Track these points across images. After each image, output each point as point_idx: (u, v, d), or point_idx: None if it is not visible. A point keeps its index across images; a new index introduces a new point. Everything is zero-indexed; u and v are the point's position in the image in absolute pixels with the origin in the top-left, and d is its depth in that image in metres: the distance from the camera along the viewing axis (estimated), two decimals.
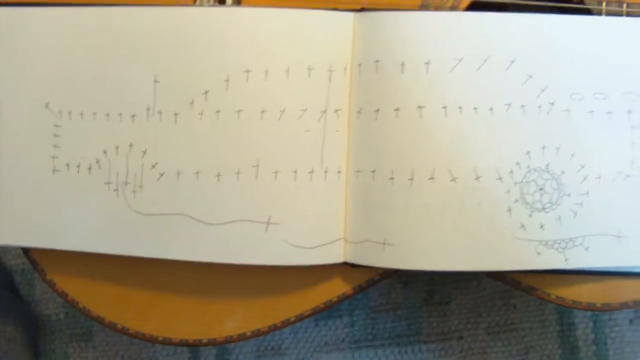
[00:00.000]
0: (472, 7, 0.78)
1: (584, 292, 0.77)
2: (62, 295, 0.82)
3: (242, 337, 0.80)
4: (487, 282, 1.01)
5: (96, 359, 1.05)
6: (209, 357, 1.04)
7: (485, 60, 0.72)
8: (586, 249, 0.72)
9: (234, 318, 0.80)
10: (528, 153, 0.71)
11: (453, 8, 0.78)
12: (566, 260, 0.72)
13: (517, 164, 0.71)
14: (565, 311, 1.00)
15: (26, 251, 0.82)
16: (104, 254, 0.77)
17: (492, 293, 1.01)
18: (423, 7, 0.78)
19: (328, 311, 1.02)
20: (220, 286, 0.80)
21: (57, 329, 1.06)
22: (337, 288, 0.79)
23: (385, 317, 1.02)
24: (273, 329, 0.79)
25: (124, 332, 0.81)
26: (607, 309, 0.77)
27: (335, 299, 0.79)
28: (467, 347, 1.01)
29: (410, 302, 1.02)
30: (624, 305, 0.77)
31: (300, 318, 0.79)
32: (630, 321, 0.99)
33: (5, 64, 0.78)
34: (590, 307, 0.77)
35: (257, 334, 0.80)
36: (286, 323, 0.79)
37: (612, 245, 0.72)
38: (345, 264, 0.75)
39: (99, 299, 0.81)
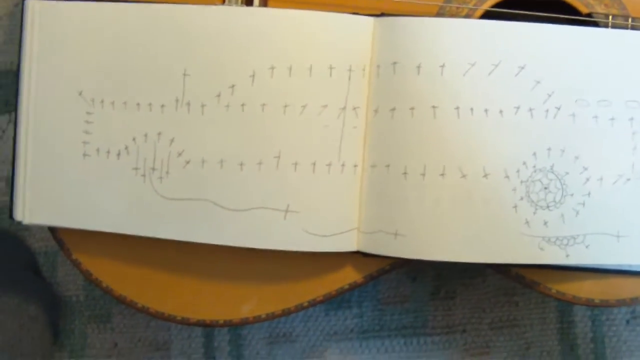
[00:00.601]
0: (485, 17, 0.81)
1: (584, 288, 0.80)
2: (87, 274, 0.85)
3: (257, 320, 0.83)
4: (491, 279, 1.03)
5: (114, 340, 1.08)
6: (222, 342, 1.06)
7: (497, 65, 0.74)
8: (587, 247, 0.75)
9: (250, 301, 0.83)
10: (534, 154, 0.74)
11: (468, 17, 0.81)
12: (567, 256, 0.75)
13: (524, 163, 0.74)
14: (565, 309, 1.02)
15: (54, 231, 0.85)
16: (128, 236, 0.80)
17: (495, 290, 1.04)
18: (439, 15, 0.81)
19: (338, 302, 1.05)
20: (238, 270, 0.82)
21: (77, 310, 1.08)
22: (349, 276, 0.82)
23: (392, 309, 1.05)
24: (287, 312, 0.82)
25: (144, 310, 0.84)
26: (605, 305, 0.80)
27: (346, 287, 0.82)
28: (471, 341, 1.04)
29: (417, 295, 1.05)
30: (621, 302, 0.79)
31: (313, 303, 0.82)
32: (627, 321, 1.01)
33: (43, 53, 0.81)
34: (589, 303, 0.80)
35: (271, 317, 0.82)
36: (299, 307, 0.82)
37: (611, 244, 0.75)
38: (357, 252, 0.78)
39: (121, 278, 0.84)
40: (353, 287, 0.82)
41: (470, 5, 0.81)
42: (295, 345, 1.05)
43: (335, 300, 1.04)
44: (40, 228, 1.07)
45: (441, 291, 1.04)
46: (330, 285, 0.82)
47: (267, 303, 0.83)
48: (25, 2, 0.81)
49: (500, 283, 1.03)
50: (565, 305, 1.02)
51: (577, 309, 1.02)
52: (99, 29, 0.80)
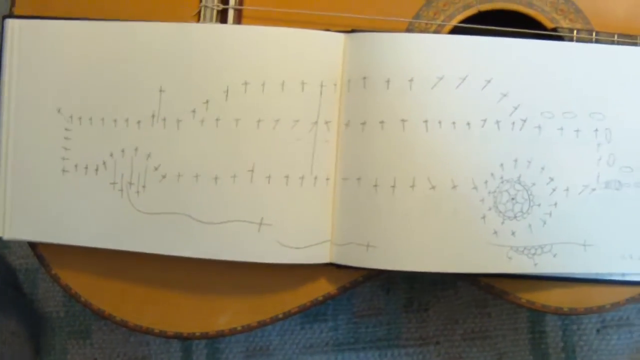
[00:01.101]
0: (454, 33, 0.83)
1: (553, 297, 0.81)
2: (66, 288, 0.85)
3: (233, 332, 0.83)
4: (464, 291, 1.05)
5: (93, 355, 1.08)
6: (200, 357, 1.07)
7: (464, 79, 0.76)
8: (554, 256, 0.76)
9: (226, 314, 0.83)
10: (501, 165, 0.76)
11: (437, 32, 0.83)
12: (535, 265, 0.76)
13: (492, 175, 0.76)
14: (536, 320, 1.03)
15: (34, 246, 0.85)
16: (106, 251, 0.81)
17: (468, 301, 1.05)
18: (409, 30, 0.83)
19: (314, 315, 1.06)
20: (214, 283, 0.83)
21: (57, 326, 1.09)
22: (322, 287, 0.83)
23: (367, 322, 1.06)
24: (262, 324, 0.83)
25: (122, 324, 0.85)
26: (574, 313, 0.81)
27: (320, 298, 0.83)
28: (444, 352, 1.04)
29: (391, 308, 1.05)
30: (588, 310, 0.81)
31: (288, 315, 0.83)
32: (598, 331, 1.02)
33: (23, 71, 0.82)
34: (558, 311, 0.81)
35: (247, 329, 0.83)
36: (274, 319, 0.83)
37: (578, 253, 0.76)
38: (330, 264, 0.79)
39: (99, 293, 0.85)
40: (327, 298, 0.83)
41: (438, 21, 0.83)
42: (272, 358, 1.06)
43: (311, 314, 1.05)
44: (20, 245, 1.08)
45: (414, 303, 1.05)
46: (305, 297, 0.83)
47: (243, 315, 0.83)
48: (5, 21, 0.83)
49: (472, 295, 1.04)
50: (537, 316, 1.03)
51: (548, 319, 1.03)
52: (77, 47, 0.81)
